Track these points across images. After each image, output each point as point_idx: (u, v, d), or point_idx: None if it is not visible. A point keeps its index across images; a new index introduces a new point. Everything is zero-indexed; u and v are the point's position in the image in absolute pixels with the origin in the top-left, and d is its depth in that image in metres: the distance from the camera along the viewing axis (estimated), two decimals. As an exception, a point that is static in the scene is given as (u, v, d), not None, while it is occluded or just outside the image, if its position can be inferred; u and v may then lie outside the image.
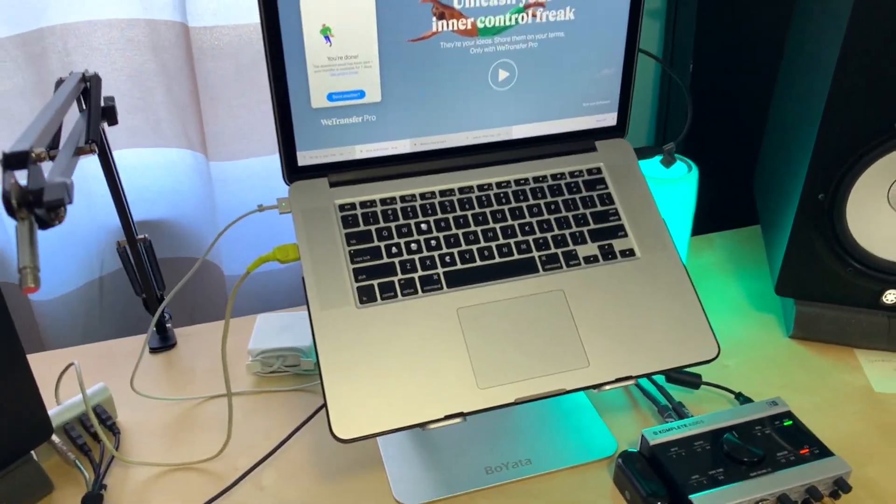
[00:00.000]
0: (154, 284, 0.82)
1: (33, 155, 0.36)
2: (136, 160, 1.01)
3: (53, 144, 0.50)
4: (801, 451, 0.64)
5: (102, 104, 0.62)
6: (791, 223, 0.79)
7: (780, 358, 0.82)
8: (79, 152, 0.49)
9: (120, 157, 0.99)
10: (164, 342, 0.85)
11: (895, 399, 0.75)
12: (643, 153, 0.73)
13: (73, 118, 0.64)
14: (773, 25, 1.10)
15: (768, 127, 1.00)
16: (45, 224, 0.36)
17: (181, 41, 0.94)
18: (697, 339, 0.65)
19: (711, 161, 1.17)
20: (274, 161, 1.02)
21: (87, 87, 0.62)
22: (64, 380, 0.77)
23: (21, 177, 0.35)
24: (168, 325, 0.87)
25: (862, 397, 0.76)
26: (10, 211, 0.34)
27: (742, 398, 0.75)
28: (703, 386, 0.77)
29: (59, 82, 0.60)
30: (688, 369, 0.77)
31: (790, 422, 0.67)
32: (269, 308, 1.09)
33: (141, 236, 0.79)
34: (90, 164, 0.97)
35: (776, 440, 0.65)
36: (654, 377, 0.77)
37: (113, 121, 0.63)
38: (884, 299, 0.79)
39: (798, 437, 0.65)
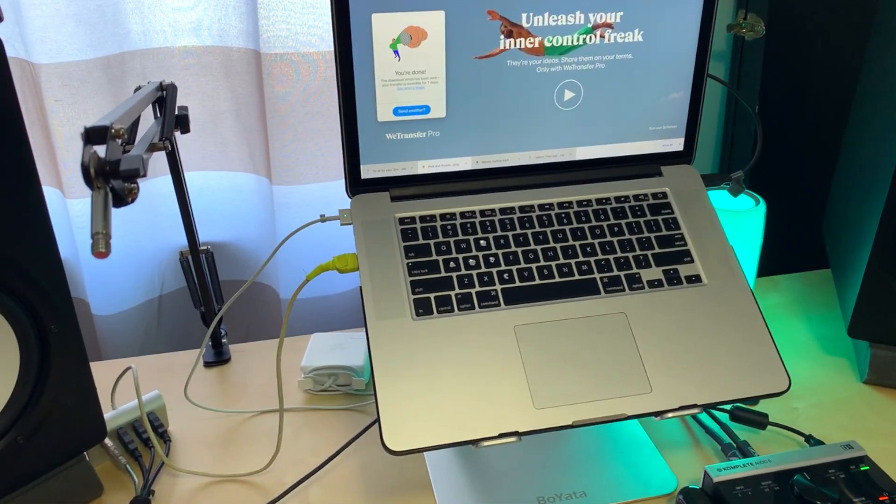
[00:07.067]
0: (213, 297, 0.83)
1: (112, 131, 0.37)
2: (202, 182, 1.04)
3: (129, 141, 0.52)
4: (881, 498, 0.60)
5: (177, 112, 0.64)
6: (866, 262, 0.76)
7: (853, 402, 0.77)
8: (153, 148, 0.50)
9: (188, 178, 1.02)
10: (218, 357, 0.86)
11: (983, 451, 0.70)
12: (710, 180, 0.72)
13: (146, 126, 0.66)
14: (845, 61, 1.08)
15: (839, 165, 0.97)
16: (119, 199, 0.36)
17: (252, 67, 0.97)
18: (766, 371, 0.61)
19: (777, 200, 1.14)
20: (335, 187, 1.03)
21: (163, 96, 0.64)
22: (120, 386, 0.77)
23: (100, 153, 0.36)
24: (224, 341, 0.87)
25: (946, 447, 0.71)
26: (88, 180, 0.35)
27: (813, 441, 0.70)
28: (769, 427, 0.73)
29: (138, 89, 0.62)
30: (755, 407, 0.73)
31: (867, 467, 0.63)
32: (323, 331, 1.09)
33: (204, 247, 0.80)
34: (158, 185, 1.01)
35: (852, 485, 0.61)
36: (717, 415, 0.74)
37: (185, 129, 0.65)
38: (968, 344, 0.74)
39: (877, 483, 0.61)
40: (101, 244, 0.34)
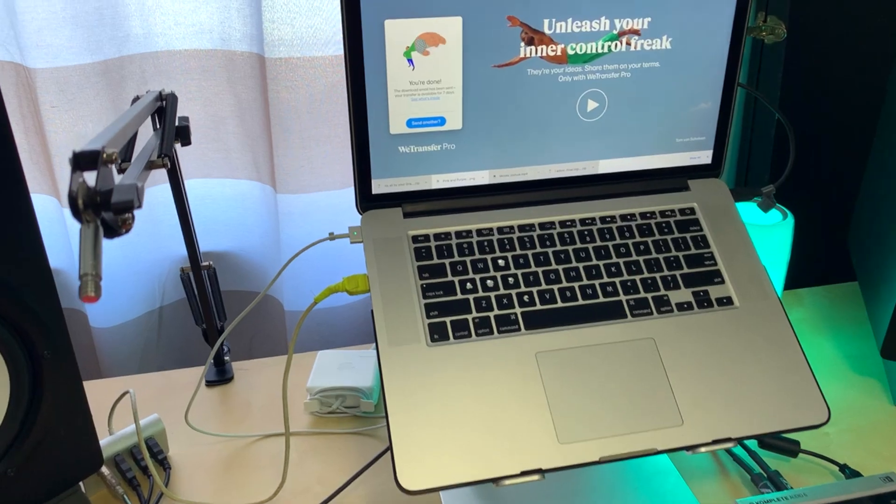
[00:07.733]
0: (215, 314, 0.79)
1: (104, 155, 0.33)
2: (204, 190, 1.01)
3: (126, 157, 0.48)
4: (926, 537, 0.56)
5: (177, 123, 0.60)
6: (901, 278, 0.72)
7: (888, 428, 0.73)
8: (151, 166, 0.47)
9: (189, 186, 0.98)
10: (221, 376, 0.82)
11: None
12: (738, 195, 0.68)
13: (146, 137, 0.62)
14: (871, 65, 1.04)
15: (867, 174, 0.93)
16: (111, 231, 0.33)
17: (256, 72, 0.93)
18: (804, 400, 0.58)
19: (798, 211, 1.10)
20: (342, 196, 1.00)
21: (163, 106, 0.60)
22: (118, 409, 0.74)
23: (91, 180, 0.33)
24: (226, 359, 0.84)
25: None
26: (77, 213, 0.31)
27: (849, 471, 0.67)
28: (801, 455, 0.69)
29: (136, 99, 0.58)
30: (787, 435, 0.70)
31: (909, 501, 0.59)
32: (329, 346, 1.06)
33: (206, 263, 0.77)
34: (158, 193, 0.97)
35: (894, 522, 0.57)
36: (745, 442, 0.70)
37: (186, 141, 0.62)
38: None
39: (920, 519, 0.57)
40: (90, 288, 0.30)
